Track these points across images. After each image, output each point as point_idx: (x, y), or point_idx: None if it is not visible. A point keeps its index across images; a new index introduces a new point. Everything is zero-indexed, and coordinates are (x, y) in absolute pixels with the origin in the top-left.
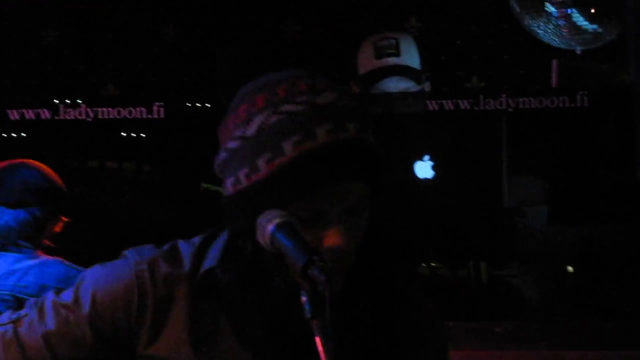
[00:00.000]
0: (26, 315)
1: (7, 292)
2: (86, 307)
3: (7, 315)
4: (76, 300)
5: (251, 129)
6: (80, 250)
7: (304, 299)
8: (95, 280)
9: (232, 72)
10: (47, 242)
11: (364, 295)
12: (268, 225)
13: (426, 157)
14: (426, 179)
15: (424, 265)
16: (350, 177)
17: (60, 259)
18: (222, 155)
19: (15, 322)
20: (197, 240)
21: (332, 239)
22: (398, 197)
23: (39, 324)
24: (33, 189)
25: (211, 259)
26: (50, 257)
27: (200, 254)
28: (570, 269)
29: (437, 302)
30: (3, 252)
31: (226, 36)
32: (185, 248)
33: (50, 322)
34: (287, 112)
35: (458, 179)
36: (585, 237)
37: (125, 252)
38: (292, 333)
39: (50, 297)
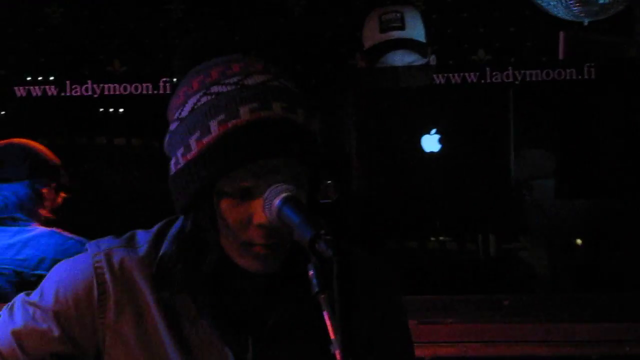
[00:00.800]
0: None
1: (6, 266)
2: (50, 303)
3: None
4: (41, 296)
5: (186, 110)
6: (89, 226)
7: (311, 273)
8: (58, 275)
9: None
10: (45, 213)
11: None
12: (275, 199)
13: (433, 131)
14: (433, 153)
15: (432, 239)
16: (272, 154)
17: (55, 229)
18: (166, 137)
19: None
20: (155, 227)
21: (257, 215)
22: (337, 176)
23: (9, 322)
24: (28, 164)
25: (166, 244)
26: (45, 228)
27: (157, 239)
28: (578, 241)
29: (445, 276)
30: (1, 227)
31: (231, 10)
32: (143, 235)
33: (19, 320)
34: (216, 92)
35: (465, 153)
36: (593, 210)
37: (86, 245)
38: (246, 309)
39: (20, 297)
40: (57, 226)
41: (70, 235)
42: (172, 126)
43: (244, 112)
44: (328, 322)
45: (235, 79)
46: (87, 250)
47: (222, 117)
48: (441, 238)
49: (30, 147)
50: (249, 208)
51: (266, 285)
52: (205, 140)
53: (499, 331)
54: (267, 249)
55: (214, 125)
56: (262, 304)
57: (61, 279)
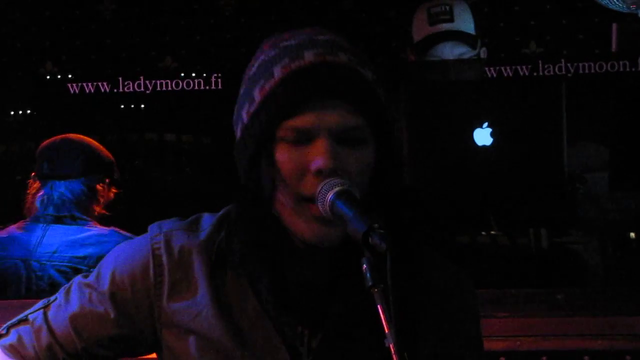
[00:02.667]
0: (55, 299)
1: (65, 264)
2: (106, 284)
3: (42, 302)
4: (98, 277)
5: (254, 68)
6: (139, 222)
7: (364, 267)
8: (115, 256)
9: None
10: (101, 210)
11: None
12: (328, 193)
13: (485, 124)
14: (485, 146)
15: (483, 233)
16: (335, 94)
17: (114, 228)
18: (235, 107)
19: (46, 307)
20: (221, 211)
21: (314, 155)
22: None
23: (65, 305)
24: (83, 160)
25: (226, 227)
26: (105, 228)
27: (220, 223)
28: (632, 235)
29: (498, 270)
30: (59, 225)
31: (283, 6)
32: (207, 219)
33: (75, 302)
34: (285, 46)
35: (517, 146)
36: None
37: (149, 227)
38: (309, 296)
39: (77, 279)
40: (111, 222)
41: (129, 234)
42: (240, 90)
43: (309, 55)
44: (382, 316)
45: (305, 35)
46: (147, 230)
47: (285, 61)
48: (492, 232)
49: (85, 143)
50: (306, 153)
51: (328, 273)
52: (267, 86)
53: (552, 325)
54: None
55: (277, 70)
56: (322, 293)
57: (118, 260)
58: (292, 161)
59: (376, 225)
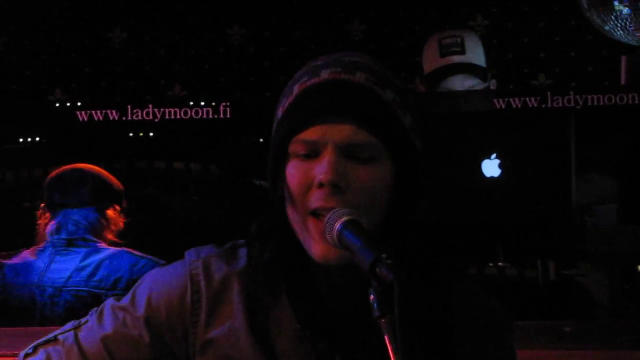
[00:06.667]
0: (87, 321)
1: (81, 288)
2: (142, 308)
3: (71, 324)
4: (133, 301)
5: (287, 89)
6: (148, 250)
7: (372, 297)
8: (152, 281)
9: None
10: (112, 237)
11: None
12: (336, 223)
13: (493, 156)
14: (493, 178)
15: (491, 264)
16: (342, 110)
17: (126, 248)
18: None
19: (76, 328)
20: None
21: (319, 168)
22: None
23: (98, 327)
24: (94, 188)
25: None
26: (116, 248)
27: (256, 251)
28: None
29: (505, 302)
30: (72, 248)
31: (291, 36)
32: (243, 246)
33: (108, 325)
34: (311, 66)
35: (526, 178)
36: None
37: (185, 252)
38: (347, 324)
39: (109, 302)
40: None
41: (141, 254)
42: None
43: (325, 73)
44: (389, 347)
45: (335, 56)
46: (184, 256)
47: (304, 79)
48: (500, 264)
49: (95, 172)
50: (312, 167)
51: (359, 301)
52: (287, 103)
53: (560, 358)
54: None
55: (296, 88)
56: (358, 322)
57: (155, 284)
58: (299, 175)
59: (384, 255)
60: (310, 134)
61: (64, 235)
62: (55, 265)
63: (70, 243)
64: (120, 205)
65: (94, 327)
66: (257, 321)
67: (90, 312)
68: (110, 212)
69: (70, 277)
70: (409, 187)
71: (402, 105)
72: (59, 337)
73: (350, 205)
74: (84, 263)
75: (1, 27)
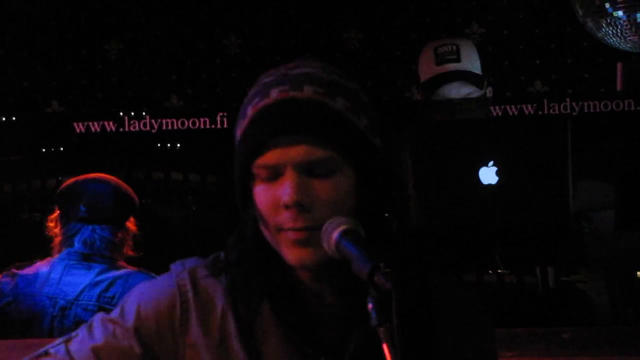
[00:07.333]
0: (77, 335)
1: (92, 302)
2: (131, 320)
3: (62, 338)
4: (122, 313)
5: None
6: (147, 261)
7: (370, 305)
8: (140, 293)
9: None
10: (128, 251)
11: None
12: (333, 232)
13: (490, 163)
14: (490, 185)
15: (490, 272)
16: (293, 129)
17: (142, 270)
18: None
19: (67, 341)
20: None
21: (282, 190)
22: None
23: (89, 339)
24: (121, 204)
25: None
26: (133, 269)
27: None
28: (639, 274)
29: (504, 309)
30: (88, 263)
31: (288, 46)
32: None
33: (99, 336)
34: (261, 83)
35: (523, 185)
36: None
37: (171, 265)
38: (330, 325)
39: (99, 315)
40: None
41: (154, 275)
42: None
43: (274, 93)
44: (387, 355)
45: (282, 70)
46: (170, 269)
47: (256, 100)
48: (499, 271)
49: (118, 186)
50: (276, 189)
51: (338, 302)
52: (242, 126)
53: None
54: (298, 233)
55: (249, 110)
56: (342, 323)
57: (143, 296)
58: (266, 198)
59: (381, 263)
60: (269, 158)
61: (80, 249)
62: (70, 278)
63: (87, 258)
64: (136, 217)
65: (85, 339)
66: (244, 328)
67: (80, 327)
68: (129, 225)
69: (83, 290)
70: (373, 188)
71: (354, 109)
72: (50, 350)
73: (318, 220)
74: (98, 278)
75: None
